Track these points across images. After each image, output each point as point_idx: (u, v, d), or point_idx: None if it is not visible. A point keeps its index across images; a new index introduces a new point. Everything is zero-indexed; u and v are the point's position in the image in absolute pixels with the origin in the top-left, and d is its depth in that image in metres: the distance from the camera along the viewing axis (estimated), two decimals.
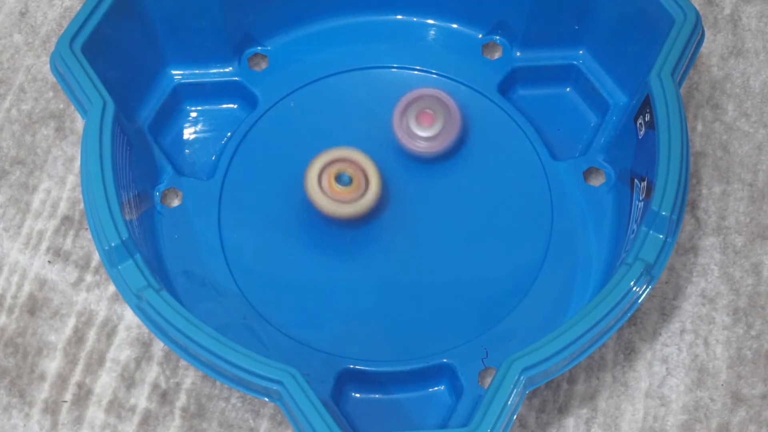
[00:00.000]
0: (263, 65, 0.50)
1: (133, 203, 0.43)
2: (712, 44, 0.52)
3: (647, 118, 0.42)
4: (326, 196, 0.45)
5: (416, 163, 0.48)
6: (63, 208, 0.48)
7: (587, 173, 0.47)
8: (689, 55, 0.42)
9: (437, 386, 0.43)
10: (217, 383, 0.44)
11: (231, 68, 0.49)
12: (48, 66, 0.52)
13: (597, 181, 0.47)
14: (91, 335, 0.46)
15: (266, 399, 0.38)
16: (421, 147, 0.47)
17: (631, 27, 0.45)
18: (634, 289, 0.38)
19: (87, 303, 0.46)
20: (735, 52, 0.52)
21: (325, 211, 0.45)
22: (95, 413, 0.44)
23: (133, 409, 0.44)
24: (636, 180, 0.43)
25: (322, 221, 0.46)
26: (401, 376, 0.43)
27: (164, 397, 0.44)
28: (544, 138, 0.48)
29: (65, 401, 0.45)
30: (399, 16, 0.51)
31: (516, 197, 0.47)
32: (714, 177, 0.49)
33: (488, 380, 0.42)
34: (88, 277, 0.47)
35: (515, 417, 0.37)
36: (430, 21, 0.51)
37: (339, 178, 0.45)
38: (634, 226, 0.42)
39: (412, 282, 0.45)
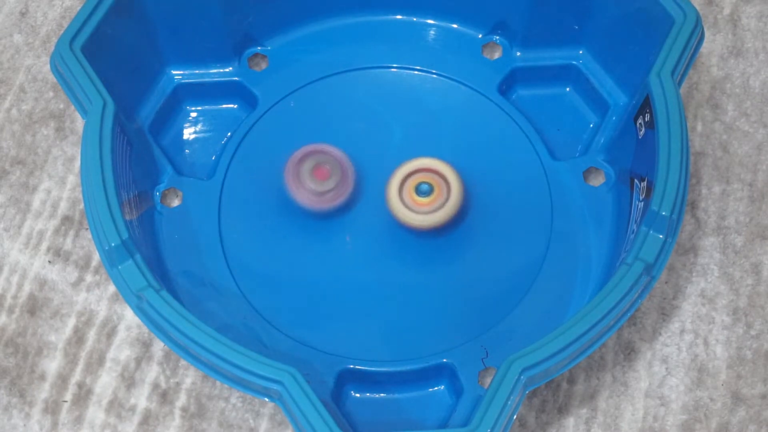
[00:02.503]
0: (263, 65, 0.50)
1: (133, 203, 0.43)
2: (712, 44, 0.52)
3: (647, 118, 0.42)
4: (408, 208, 0.44)
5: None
6: (63, 208, 0.48)
7: (587, 173, 0.47)
8: (689, 55, 0.42)
9: (437, 386, 0.43)
10: (217, 383, 0.45)
11: (231, 68, 0.49)
12: (48, 66, 0.52)
13: (597, 181, 0.47)
14: (91, 335, 0.46)
15: (266, 399, 0.38)
16: (320, 202, 0.45)
17: (631, 27, 0.45)
18: (634, 289, 0.38)
19: (87, 303, 0.46)
20: (735, 52, 0.52)
21: (409, 223, 0.44)
22: (95, 413, 0.44)
23: (133, 409, 0.44)
24: (636, 180, 0.43)
25: (321, 218, 0.46)
26: (401, 376, 0.43)
27: (164, 397, 0.44)
28: (544, 138, 0.48)
29: (65, 401, 0.45)
30: (399, 16, 0.51)
31: (516, 197, 0.47)
32: (714, 177, 0.49)
33: (488, 380, 0.42)
34: (88, 277, 0.47)
35: (515, 417, 0.37)
36: (430, 21, 0.51)
37: (419, 189, 0.45)
38: (634, 226, 0.42)
39: (412, 282, 0.45)
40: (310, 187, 0.45)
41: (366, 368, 0.43)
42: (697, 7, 0.48)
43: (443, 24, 0.51)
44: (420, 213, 0.44)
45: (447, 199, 0.45)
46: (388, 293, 0.45)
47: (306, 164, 0.45)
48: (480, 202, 0.47)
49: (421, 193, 0.45)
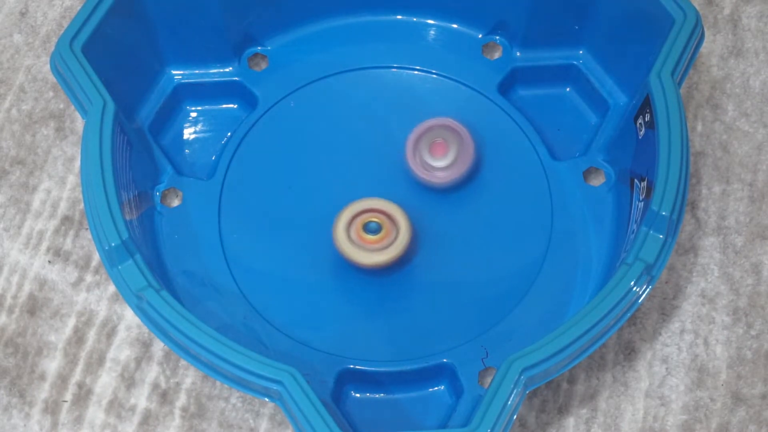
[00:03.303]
0: (263, 65, 0.50)
1: (133, 203, 0.43)
2: (712, 44, 0.52)
3: (647, 118, 0.42)
4: (357, 246, 0.44)
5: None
6: (63, 208, 0.48)
7: (587, 173, 0.47)
8: (689, 55, 0.42)
9: (437, 386, 0.43)
10: (217, 383, 0.44)
11: (231, 68, 0.49)
12: (48, 66, 0.52)
13: (597, 181, 0.47)
14: (91, 335, 0.46)
15: (266, 399, 0.38)
16: (438, 178, 0.46)
17: (631, 27, 0.45)
18: (634, 289, 0.38)
19: (87, 303, 0.46)
20: (735, 52, 0.52)
21: (358, 262, 0.44)
22: (95, 413, 0.44)
23: (133, 409, 0.44)
24: (636, 180, 0.43)
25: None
26: (401, 376, 0.43)
27: (164, 397, 0.44)
28: (544, 138, 0.48)
29: (65, 401, 0.45)
30: (399, 16, 0.51)
31: (516, 197, 0.47)
32: (714, 177, 0.49)
33: (488, 380, 0.42)
34: (88, 277, 0.47)
35: (515, 417, 0.37)
36: (430, 21, 0.51)
37: (367, 228, 0.45)
38: (634, 226, 0.42)
39: (412, 282, 0.45)
40: (433, 165, 0.46)
41: (366, 368, 0.43)
42: (697, 7, 0.48)
43: (443, 24, 0.51)
44: (368, 251, 0.44)
45: (396, 238, 0.44)
46: (388, 293, 0.45)
47: (423, 142, 0.46)
48: (480, 202, 0.47)
49: (369, 231, 0.45)
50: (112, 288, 0.47)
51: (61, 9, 0.54)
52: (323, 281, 0.45)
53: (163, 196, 0.47)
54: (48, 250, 0.47)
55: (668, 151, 0.40)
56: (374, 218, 0.44)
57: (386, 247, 0.44)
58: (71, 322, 0.46)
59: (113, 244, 0.39)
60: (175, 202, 0.47)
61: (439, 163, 0.46)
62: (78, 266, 0.47)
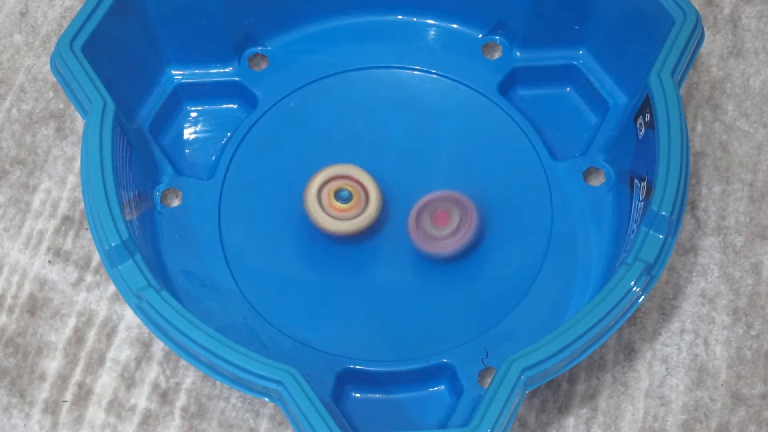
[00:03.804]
0: (263, 65, 0.50)
1: (133, 203, 0.43)
2: (712, 44, 0.52)
3: (647, 118, 0.42)
4: (327, 213, 0.44)
5: (416, 165, 0.48)
6: (63, 208, 0.48)
7: (587, 173, 0.47)
8: (689, 55, 0.42)
9: (437, 386, 0.43)
10: (217, 383, 0.44)
11: (231, 68, 0.49)
12: (48, 66, 0.52)
13: (597, 181, 0.47)
14: (91, 335, 0.46)
15: (266, 399, 0.38)
16: (443, 247, 0.45)
17: (631, 27, 0.45)
18: (634, 289, 0.38)
19: (87, 303, 0.46)
20: (735, 52, 0.52)
21: (326, 228, 0.44)
22: (95, 413, 0.44)
23: (133, 409, 0.44)
24: (636, 180, 0.43)
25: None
26: (401, 376, 0.43)
27: (164, 397, 0.44)
28: (544, 138, 0.48)
29: (65, 401, 0.45)
30: (399, 16, 0.51)
31: (516, 197, 0.47)
32: (714, 177, 0.49)
33: (488, 380, 0.42)
34: (89, 277, 0.47)
35: (515, 417, 0.37)
36: (430, 21, 0.51)
37: (338, 195, 0.45)
38: (634, 226, 0.42)
39: (412, 282, 0.45)
40: (437, 234, 0.44)
41: (366, 368, 0.43)
42: (697, 7, 0.48)
43: (443, 24, 0.51)
44: (342, 219, 0.44)
45: (365, 207, 0.44)
46: (388, 293, 0.45)
47: (425, 216, 0.45)
48: (480, 202, 0.47)
49: (341, 199, 0.45)
50: (112, 288, 0.47)
51: (61, 9, 0.54)
52: (323, 281, 0.45)
53: (163, 196, 0.47)
54: (48, 250, 0.48)
55: (668, 151, 0.40)
56: (346, 186, 0.44)
57: (354, 217, 0.44)
58: (71, 322, 0.46)
59: (113, 244, 0.39)
60: (175, 202, 0.47)
61: (443, 232, 0.45)
62: (78, 266, 0.47)
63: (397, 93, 0.49)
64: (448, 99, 0.49)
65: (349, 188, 0.45)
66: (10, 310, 0.46)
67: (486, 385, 0.42)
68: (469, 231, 0.45)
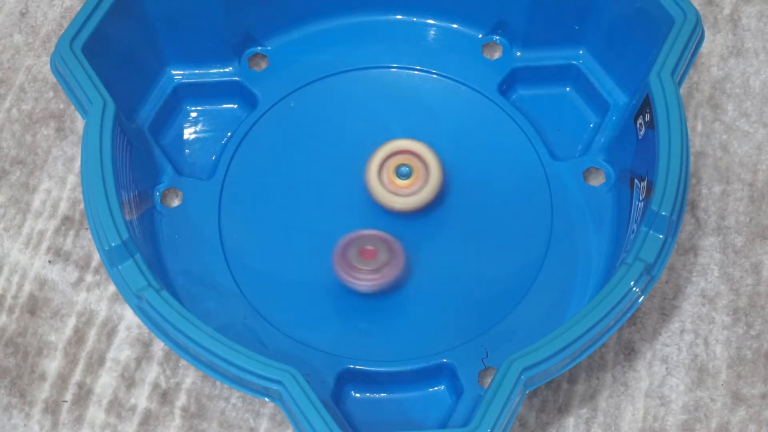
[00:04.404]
0: (263, 65, 0.50)
1: (133, 203, 0.43)
2: (712, 44, 0.52)
3: (647, 118, 0.42)
4: (386, 189, 0.44)
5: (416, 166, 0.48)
6: (63, 208, 0.48)
7: (587, 173, 0.47)
8: (689, 55, 0.42)
9: (437, 386, 0.43)
10: (217, 383, 0.45)
11: (231, 68, 0.49)
12: (48, 66, 0.52)
13: (597, 181, 0.47)
14: (92, 335, 0.46)
15: (266, 399, 0.38)
16: (362, 281, 0.44)
17: (631, 27, 0.45)
18: (634, 289, 0.38)
19: (87, 303, 0.46)
20: (735, 52, 0.52)
21: (385, 204, 0.44)
22: (95, 413, 0.44)
23: (133, 409, 0.44)
24: (636, 180, 0.43)
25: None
26: (401, 376, 0.43)
27: (164, 397, 0.44)
28: (544, 138, 0.48)
29: (65, 401, 0.45)
30: (399, 16, 0.51)
31: (516, 197, 0.47)
32: (714, 177, 0.49)
33: (488, 380, 0.42)
34: (89, 277, 0.47)
35: (515, 417, 0.37)
36: (430, 21, 0.51)
37: (398, 171, 0.45)
38: (634, 226, 0.42)
39: (412, 282, 0.45)
40: (363, 268, 0.44)
41: (366, 368, 0.43)
42: (697, 7, 0.48)
43: (443, 24, 0.51)
44: (401, 195, 0.44)
45: (427, 181, 0.45)
46: (388, 293, 0.45)
47: (351, 251, 0.44)
48: (480, 201, 0.47)
49: (401, 175, 0.45)
50: (112, 288, 0.47)
51: (61, 9, 0.54)
52: (323, 281, 0.45)
53: (163, 196, 0.47)
54: (48, 250, 0.48)
55: (668, 151, 0.40)
56: (406, 161, 0.45)
57: (417, 192, 0.44)
58: (71, 322, 0.46)
59: (113, 244, 0.39)
60: (175, 202, 0.47)
61: (369, 266, 0.44)
62: (78, 266, 0.47)
63: (397, 93, 0.49)
64: (448, 99, 0.49)
65: (409, 164, 0.45)
66: (10, 310, 0.46)
67: (486, 385, 0.42)
68: (390, 273, 0.44)
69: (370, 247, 0.44)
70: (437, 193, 0.45)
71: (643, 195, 0.42)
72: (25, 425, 0.44)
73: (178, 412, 0.44)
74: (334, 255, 0.44)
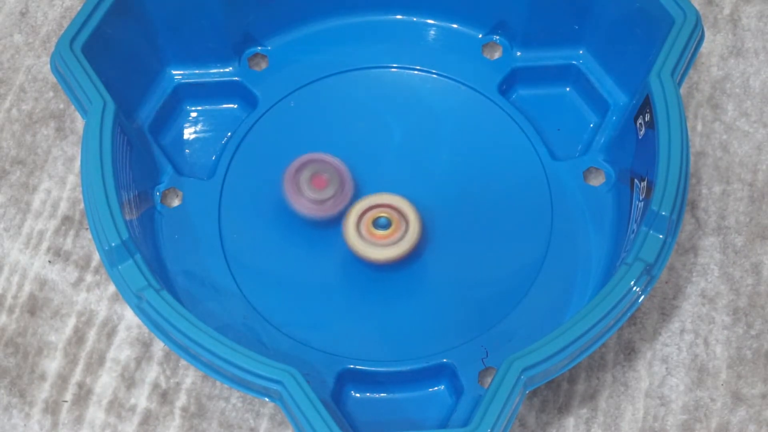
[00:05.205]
0: (263, 65, 0.50)
1: (133, 203, 0.43)
2: (712, 44, 0.52)
3: (647, 118, 0.42)
4: (366, 241, 0.44)
5: (416, 165, 0.48)
6: (63, 208, 0.48)
7: (587, 173, 0.47)
8: (689, 55, 0.42)
9: (437, 386, 0.43)
10: (217, 383, 0.45)
11: (231, 68, 0.49)
12: (48, 66, 0.52)
13: (597, 181, 0.47)
14: (92, 335, 0.46)
15: (266, 399, 0.38)
16: (312, 209, 0.45)
17: (631, 27, 0.45)
18: (634, 289, 0.38)
19: (87, 303, 0.46)
20: (735, 52, 0.52)
21: (367, 257, 0.44)
22: (95, 413, 0.44)
23: (133, 408, 0.44)
24: (636, 180, 0.43)
25: (322, 222, 0.46)
26: (401, 375, 0.43)
27: (164, 397, 0.44)
28: (544, 138, 0.48)
29: (65, 401, 0.45)
30: (399, 16, 0.51)
31: (516, 197, 0.47)
32: (714, 177, 0.49)
33: (488, 380, 0.42)
34: (89, 277, 0.47)
35: (515, 417, 0.37)
36: (430, 21, 0.51)
37: (377, 223, 0.44)
38: (634, 226, 0.42)
39: (412, 282, 0.45)
40: (309, 195, 0.45)
41: (366, 368, 0.43)
42: (697, 7, 0.48)
43: (443, 24, 0.51)
44: (379, 246, 0.44)
45: (405, 233, 0.44)
46: (388, 293, 0.45)
47: (304, 173, 0.45)
48: (480, 202, 0.47)
49: (379, 226, 0.44)
50: (112, 288, 0.47)
51: (61, 9, 0.54)
52: (323, 281, 0.45)
53: (163, 196, 0.47)
54: (48, 250, 0.48)
55: (668, 151, 0.40)
56: (383, 213, 0.44)
57: (396, 242, 0.44)
58: (71, 322, 0.46)
59: (113, 244, 0.39)
60: (175, 202, 0.47)
61: (321, 195, 0.45)
62: (78, 266, 0.47)
63: (397, 93, 0.49)
64: (448, 99, 0.49)
65: (385, 215, 0.44)
66: (10, 310, 0.46)
67: (486, 385, 0.42)
68: (342, 201, 0.45)
69: (324, 176, 0.45)
70: (418, 243, 0.45)
71: (643, 195, 0.42)
72: (25, 425, 0.44)
73: (178, 412, 0.44)
74: (287, 171, 0.45)
